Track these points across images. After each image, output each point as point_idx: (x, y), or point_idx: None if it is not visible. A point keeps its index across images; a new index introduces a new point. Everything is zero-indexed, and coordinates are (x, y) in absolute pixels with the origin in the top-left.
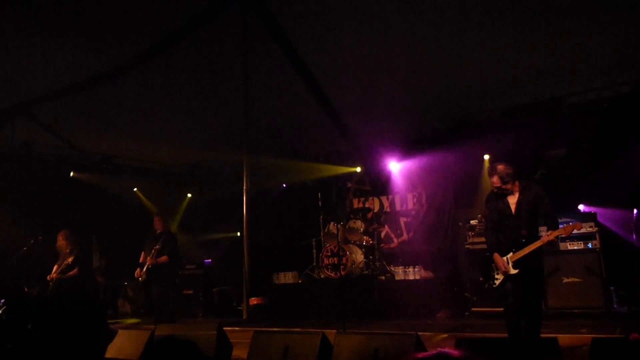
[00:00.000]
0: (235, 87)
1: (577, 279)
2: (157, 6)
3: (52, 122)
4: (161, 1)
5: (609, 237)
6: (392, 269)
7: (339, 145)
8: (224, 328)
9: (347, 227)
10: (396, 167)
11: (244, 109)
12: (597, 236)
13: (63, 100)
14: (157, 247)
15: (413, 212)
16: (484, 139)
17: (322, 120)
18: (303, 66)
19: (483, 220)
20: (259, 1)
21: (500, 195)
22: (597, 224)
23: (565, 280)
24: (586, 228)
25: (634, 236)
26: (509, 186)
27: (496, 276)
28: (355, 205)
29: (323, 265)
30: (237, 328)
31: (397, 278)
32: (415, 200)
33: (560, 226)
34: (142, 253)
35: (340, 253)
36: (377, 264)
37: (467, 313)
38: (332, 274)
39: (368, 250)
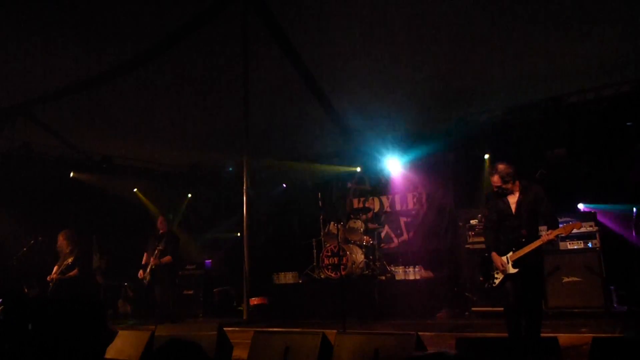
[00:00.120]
0: (235, 86)
1: (577, 279)
2: (156, 6)
3: (52, 122)
4: (161, 1)
5: (609, 237)
6: (393, 269)
7: (339, 145)
8: (225, 328)
9: (347, 227)
10: (396, 167)
11: (243, 108)
12: (597, 235)
13: (63, 100)
14: (160, 247)
15: (413, 212)
16: (484, 139)
17: (322, 119)
18: (302, 65)
19: (483, 219)
20: (260, 1)
21: (501, 194)
22: (597, 223)
23: (566, 279)
24: (586, 227)
25: (634, 233)
26: (509, 186)
27: (496, 276)
28: (356, 205)
29: (323, 265)
30: (237, 328)
31: (397, 278)
32: (415, 200)
33: (560, 225)
34: (145, 254)
35: (341, 253)
36: (378, 264)
37: (467, 313)
38: (333, 274)
39: (368, 250)
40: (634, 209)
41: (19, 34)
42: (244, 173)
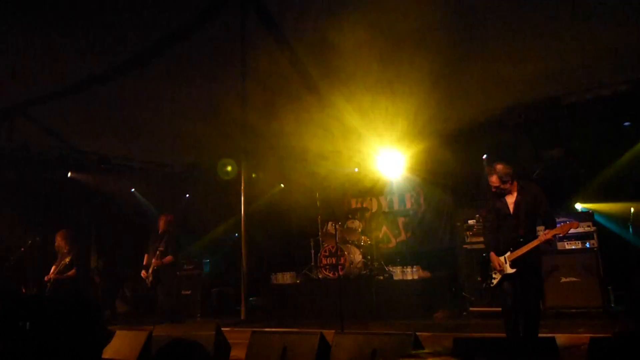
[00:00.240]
0: (233, 86)
1: (575, 279)
2: (156, 7)
3: (50, 122)
4: (160, 2)
5: (606, 237)
6: (390, 269)
7: (336, 144)
8: (222, 328)
9: (345, 227)
10: (395, 167)
11: (242, 108)
12: (595, 236)
13: (61, 100)
14: (161, 248)
15: (411, 212)
16: (483, 138)
17: (319, 119)
18: (300, 63)
19: (481, 220)
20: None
21: (499, 194)
22: (595, 223)
23: (563, 279)
24: (584, 227)
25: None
26: (507, 186)
27: (494, 276)
28: (353, 206)
29: (321, 265)
30: (235, 328)
31: (395, 278)
32: (413, 200)
33: (558, 225)
34: (146, 256)
35: (339, 253)
36: (375, 264)
37: (465, 313)
38: (330, 274)
39: (366, 250)
40: (632, 209)
41: (18, 34)
42: (242, 173)
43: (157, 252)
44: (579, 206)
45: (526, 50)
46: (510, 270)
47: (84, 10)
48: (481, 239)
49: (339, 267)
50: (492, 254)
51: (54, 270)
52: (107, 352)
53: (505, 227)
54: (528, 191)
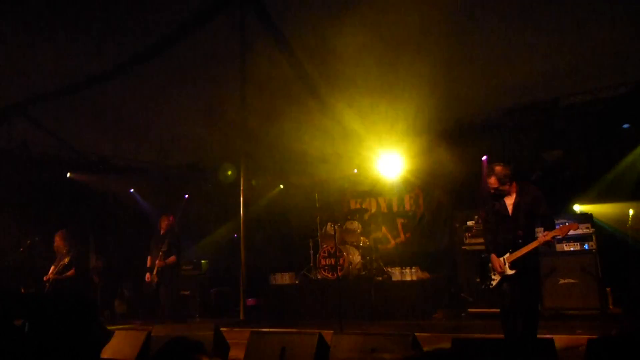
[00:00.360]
0: (233, 87)
1: (573, 280)
2: (156, 7)
3: (50, 122)
4: (160, 2)
5: (605, 239)
6: (389, 269)
7: (336, 146)
8: (221, 328)
9: (344, 228)
10: (394, 169)
11: (241, 110)
12: (593, 237)
13: (61, 100)
14: (164, 249)
15: (410, 213)
16: (482, 140)
17: (319, 120)
18: (300, 66)
19: (480, 221)
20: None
21: (498, 196)
22: (594, 225)
23: (562, 281)
24: (582, 229)
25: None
26: (506, 187)
27: (493, 277)
28: (353, 206)
29: (320, 266)
30: (234, 328)
31: (393, 279)
32: (412, 201)
33: (557, 227)
34: (149, 258)
35: (337, 254)
36: (374, 264)
37: (463, 314)
38: (329, 275)
39: (365, 251)
40: (630, 211)
41: (17, 34)
42: (241, 174)
43: (160, 253)
44: (577, 208)
45: (525, 52)
46: (510, 272)
47: (85, 11)
48: (480, 240)
49: (338, 267)
50: (493, 256)
51: (53, 270)
52: (106, 351)
53: (504, 228)
54: (527, 193)
